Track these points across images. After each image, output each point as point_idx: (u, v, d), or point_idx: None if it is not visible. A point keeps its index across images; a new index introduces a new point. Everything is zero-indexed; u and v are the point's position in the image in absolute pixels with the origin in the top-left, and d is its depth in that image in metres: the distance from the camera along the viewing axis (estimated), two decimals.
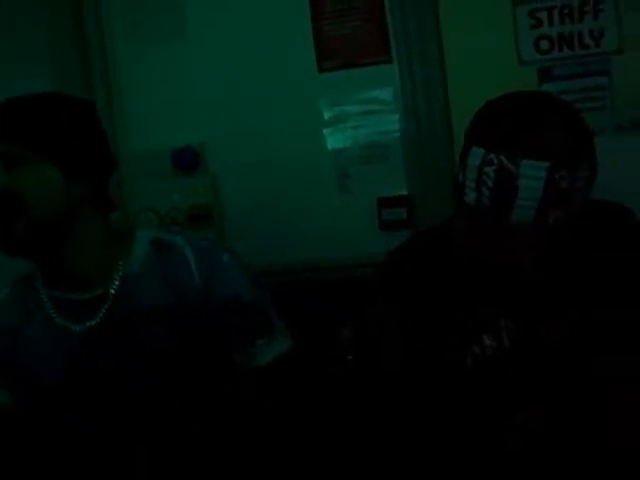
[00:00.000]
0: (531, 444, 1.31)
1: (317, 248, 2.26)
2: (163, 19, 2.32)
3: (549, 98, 1.36)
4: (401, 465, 1.36)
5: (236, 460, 1.39)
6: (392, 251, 1.47)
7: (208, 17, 2.29)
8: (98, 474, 1.37)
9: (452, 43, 2.10)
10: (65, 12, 2.32)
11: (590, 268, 1.32)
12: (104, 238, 1.40)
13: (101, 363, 1.36)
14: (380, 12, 2.16)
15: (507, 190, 1.20)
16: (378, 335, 1.40)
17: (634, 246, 1.36)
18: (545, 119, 1.23)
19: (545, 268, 1.33)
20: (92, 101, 1.67)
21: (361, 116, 2.22)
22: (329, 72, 2.22)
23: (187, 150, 2.32)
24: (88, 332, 1.37)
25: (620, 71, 2.00)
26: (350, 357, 1.68)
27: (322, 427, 1.44)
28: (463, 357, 1.33)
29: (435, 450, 1.34)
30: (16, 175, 1.30)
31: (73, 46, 2.33)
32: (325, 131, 2.25)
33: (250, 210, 2.29)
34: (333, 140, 2.25)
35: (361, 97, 2.21)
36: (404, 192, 2.21)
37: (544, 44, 2.04)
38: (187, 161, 2.33)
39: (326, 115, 2.25)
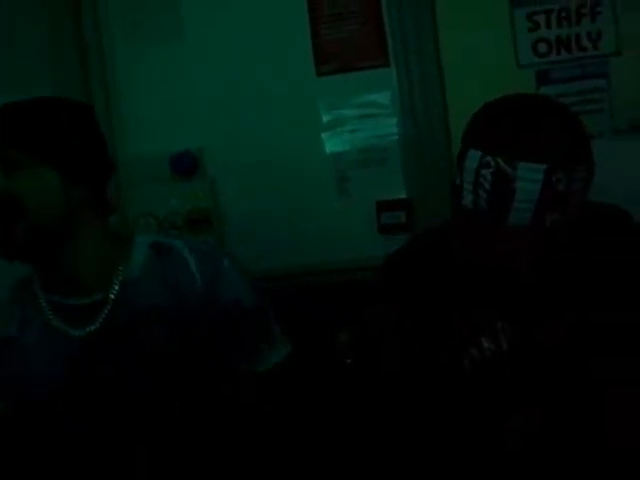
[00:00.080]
0: (530, 445, 1.31)
1: (316, 252, 2.26)
2: (161, 21, 2.32)
3: (546, 101, 1.36)
4: (401, 467, 1.36)
5: (236, 462, 1.39)
6: (390, 254, 1.48)
7: (206, 21, 2.29)
8: (98, 476, 1.36)
9: (450, 47, 2.10)
10: (64, 14, 2.32)
11: (587, 270, 1.31)
12: (103, 242, 1.40)
13: (101, 368, 1.36)
14: (377, 16, 2.16)
15: (504, 192, 1.20)
16: (377, 338, 1.40)
17: (631, 248, 1.36)
18: (542, 122, 1.23)
19: (542, 270, 1.33)
20: (90, 105, 1.67)
21: (359, 120, 2.22)
22: (327, 76, 2.22)
23: (186, 155, 2.32)
24: (88, 337, 1.37)
25: (618, 73, 2.00)
26: (349, 361, 1.68)
27: (321, 429, 1.44)
28: (461, 359, 1.33)
29: (434, 451, 1.34)
30: (15, 179, 1.30)
31: (72, 47, 2.32)
32: (323, 135, 2.25)
33: (249, 214, 2.29)
34: (332, 144, 2.25)
35: (359, 101, 2.21)
36: (403, 195, 2.21)
37: (542, 47, 2.04)
38: (186, 166, 2.33)
39: (324, 119, 2.25)
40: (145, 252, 1.42)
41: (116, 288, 1.38)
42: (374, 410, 1.39)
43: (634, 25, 1.98)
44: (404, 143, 2.19)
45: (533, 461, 1.32)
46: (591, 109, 2.01)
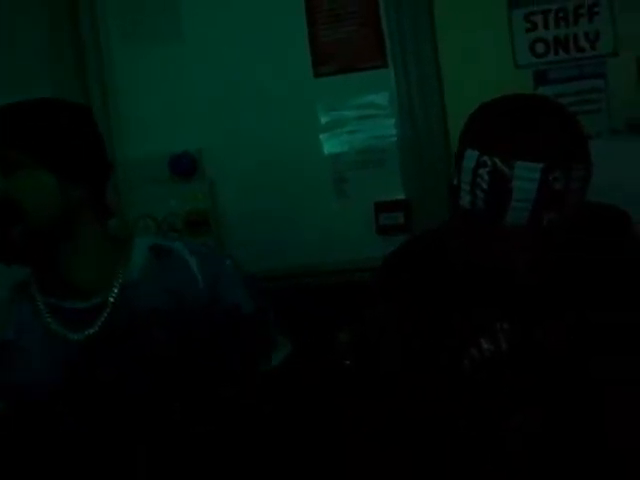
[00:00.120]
0: (530, 445, 1.31)
1: (315, 253, 2.26)
2: (160, 21, 2.32)
3: (544, 101, 1.37)
4: (401, 467, 1.36)
5: (236, 462, 1.39)
6: (388, 255, 1.47)
7: (205, 21, 2.29)
8: (98, 476, 1.36)
9: (448, 47, 2.10)
10: (63, 14, 2.32)
11: (586, 270, 1.32)
12: (102, 245, 1.40)
13: (100, 371, 1.36)
14: (375, 17, 2.16)
15: (501, 192, 1.20)
16: (377, 338, 1.40)
17: (630, 248, 1.36)
18: (539, 121, 1.23)
19: (540, 270, 1.33)
20: (89, 106, 1.67)
21: (357, 121, 2.22)
22: (325, 77, 2.23)
23: (184, 156, 2.32)
24: (87, 340, 1.37)
25: (616, 74, 2.00)
26: (348, 362, 1.68)
27: (321, 429, 1.44)
28: (461, 360, 1.33)
29: (434, 451, 1.34)
30: (14, 181, 1.30)
31: (71, 47, 2.33)
32: (322, 136, 2.25)
33: (248, 215, 2.29)
34: (330, 145, 2.25)
35: (357, 102, 2.22)
36: (401, 196, 2.21)
37: (540, 47, 2.05)
38: (185, 167, 2.33)
39: (323, 120, 2.25)
40: (145, 254, 1.41)
41: (115, 291, 1.37)
42: (374, 410, 1.39)
43: (632, 25, 1.98)
44: (402, 144, 2.19)
45: (533, 461, 1.32)
46: (589, 109, 2.01)
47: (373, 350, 1.42)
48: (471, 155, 1.24)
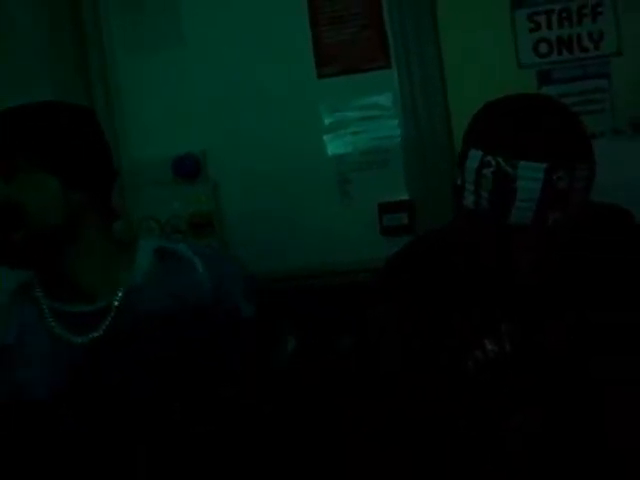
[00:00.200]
0: (530, 445, 1.31)
1: (318, 254, 2.26)
2: (162, 24, 2.32)
3: (547, 100, 1.37)
4: (401, 467, 1.35)
5: (236, 462, 1.39)
6: (391, 256, 1.47)
7: (207, 23, 2.29)
8: (98, 476, 1.36)
9: (451, 48, 2.10)
10: (64, 14, 2.32)
11: (588, 270, 1.31)
12: (107, 248, 1.39)
13: (104, 374, 1.36)
14: (378, 18, 2.16)
15: (505, 192, 1.20)
16: (377, 338, 1.40)
17: (632, 248, 1.36)
18: (543, 121, 1.23)
19: (542, 270, 1.33)
20: (91, 108, 1.67)
21: (361, 121, 2.22)
22: (328, 78, 2.22)
23: (188, 158, 2.32)
24: (91, 344, 1.36)
25: (619, 74, 2.00)
26: (350, 364, 1.68)
27: (322, 429, 1.44)
28: (465, 361, 1.33)
29: (434, 451, 1.33)
30: (16, 184, 1.30)
31: (72, 48, 2.33)
32: (325, 137, 2.25)
33: (251, 217, 2.29)
34: (333, 146, 2.25)
35: (361, 103, 2.21)
36: (405, 197, 2.21)
37: (543, 47, 2.04)
38: (188, 169, 2.33)
39: (326, 121, 2.25)
40: (149, 258, 1.41)
41: (120, 295, 1.37)
42: (374, 410, 1.38)
43: (635, 25, 1.97)
44: (406, 145, 2.19)
45: (533, 461, 1.31)
46: (592, 109, 2.00)
47: (373, 350, 1.42)
48: (475, 155, 1.24)
